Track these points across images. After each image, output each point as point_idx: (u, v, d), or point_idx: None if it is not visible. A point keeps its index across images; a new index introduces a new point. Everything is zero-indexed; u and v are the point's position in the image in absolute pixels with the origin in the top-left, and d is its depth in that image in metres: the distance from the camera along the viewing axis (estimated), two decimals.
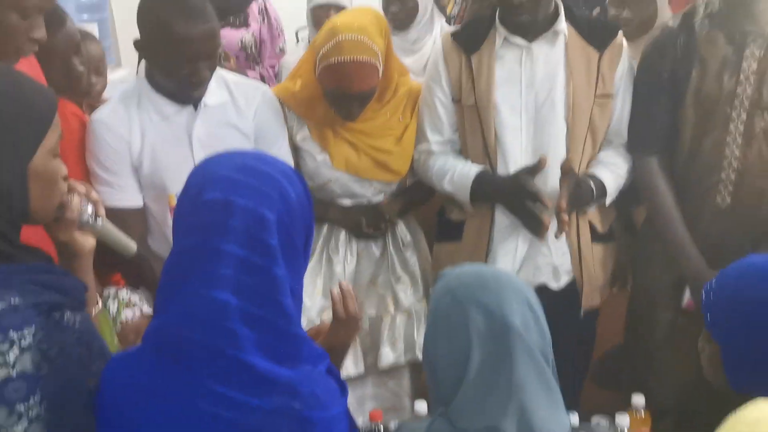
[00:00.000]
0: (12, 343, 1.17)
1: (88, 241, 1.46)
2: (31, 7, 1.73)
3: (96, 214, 1.48)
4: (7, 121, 1.25)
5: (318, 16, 3.21)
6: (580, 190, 2.23)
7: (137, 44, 2.12)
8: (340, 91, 2.24)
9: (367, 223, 2.40)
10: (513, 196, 2.23)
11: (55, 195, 1.36)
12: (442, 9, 3.33)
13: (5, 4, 1.69)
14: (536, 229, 2.22)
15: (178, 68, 2.03)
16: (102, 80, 2.45)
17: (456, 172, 2.31)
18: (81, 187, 1.46)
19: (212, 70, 2.10)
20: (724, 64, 2.17)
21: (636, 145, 2.33)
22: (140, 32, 2.10)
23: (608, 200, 2.31)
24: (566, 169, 2.21)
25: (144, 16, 2.07)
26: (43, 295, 1.24)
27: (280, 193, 1.26)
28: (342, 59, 2.19)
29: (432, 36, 3.08)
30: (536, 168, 2.20)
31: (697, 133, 2.23)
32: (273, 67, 3.49)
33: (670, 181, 2.29)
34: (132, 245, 1.59)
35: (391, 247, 2.50)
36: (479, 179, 2.28)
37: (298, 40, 4.12)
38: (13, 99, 1.26)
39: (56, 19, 2.09)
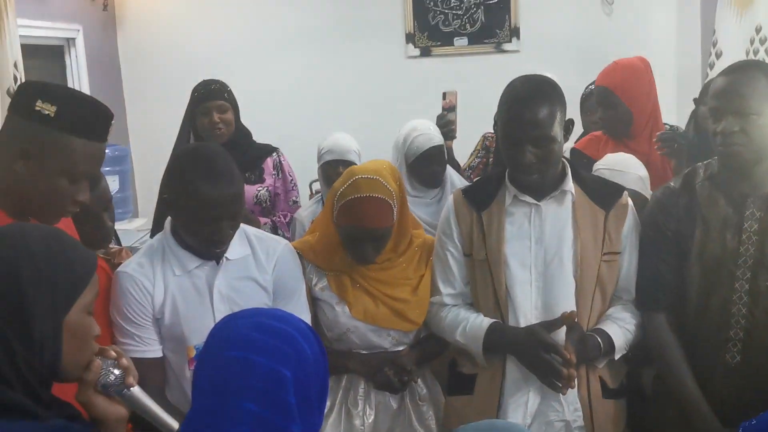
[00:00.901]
0: None
1: (115, 410, 1.46)
2: (80, 173, 1.84)
3: (126, 384, 1.48)
4: (48, 275, 1.30)
5: (327, 172, 3.34)
6: (586, 344, 2.26)
7: (164, 200, 2.22)
8: (357, 230, 2.34)
9: (387, 376, 2.42)
10: (528, 348, 2.24)
11: (86, 353, 1.39)
12: (448, 133, 3.45)
13: (57, 171, 1.80)
14: (553, 382, 2.22)
15: (201, 227, 2.12)
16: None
17: (468, 324, 2.35)
18: (111, 353, 1.49)
19: (234, 229, 2.19)
20: (725, 224, 2.23)
21: (644, 301, 2.37)
22: (167, 190, 2.20)
23: (617, 355, 2.32)
24: (570, 322, 2.24)
25: (172, 175, 2.18)
26: None
27: (296, 351, 1.30)
28: (358, 196, 2.31)
29: (446, 190, 3.20)
30: (556, 324, 2.23)
31: (703, 291, 2.26)
32: (285, 215, 3.60)
33: (678, 337, 2.31)
34: (171, 423, 1.57)
35: (408, 401, 2.52)
36: (492, 331, 2.31)
37: (312, 193, 4.26)
38: (54, 254, 1.33)
39: (94, 178, 2.20)
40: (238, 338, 1.31)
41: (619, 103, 3.19)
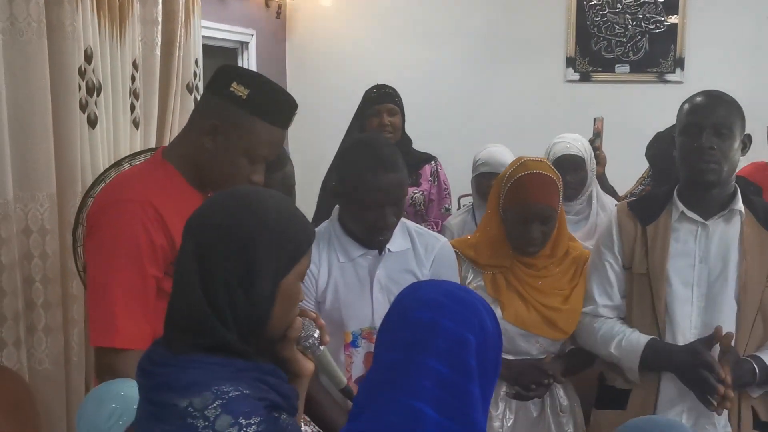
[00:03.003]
0: (240, 427, 1.29)
1: (309, 365, 1.55)
2: (260, 155, 1.96)
3: (323, 342, 1.58)
4: (278, 242, 1.40)
5: (481, 184, 3.38)
6: (741, 368, 2.20)
7: (330, 189, 2.32)
8: (526, 208, 2.39)
9: (530, 379, 2.43)
10: (688, 365, 2.21)
11: (291, 316, 1.49)
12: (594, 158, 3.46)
13: (240, 149, 1.93)
14: (708, 399, 2.18)
15: (366, 213, 2.19)
16: None
17: (625, 338, 2.33)
18: (311, 313, 1.59)
19: (398, 217, 2.26)
20: None
21: None
22: (336, 176, 2.30)
23: None
24: (726, 342, 2.19)
25: (340, 163, 2.29)
26: (269, 394, 1.37)
27: (479, 321, 1.36)
28: (527, 173, 2.40)
29: (593, 211, 3.20)
30: (712, 339, 2.20)
31: None
32: (437, 223, 3.68)
33: None
34: (343, 378, 1.69)
35: (548, 410, 2.52)
36: (651, 347, 2.28)
37: (459, 206, 4.32)
38: (285, 223, 1.43)
39: (279, 160, 2.32)
40: (429, 301, 1.37)
41: None
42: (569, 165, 3.13)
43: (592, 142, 3.51)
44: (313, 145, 4.90)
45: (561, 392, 2.53)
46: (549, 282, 2.50)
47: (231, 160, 1.93)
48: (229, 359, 1.36)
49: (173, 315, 1.42)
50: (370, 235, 2.26)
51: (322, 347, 1.58)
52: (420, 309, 1.36)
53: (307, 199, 2.90)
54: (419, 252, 2.36)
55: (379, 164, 2.16)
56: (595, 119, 3.62)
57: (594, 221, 3.15)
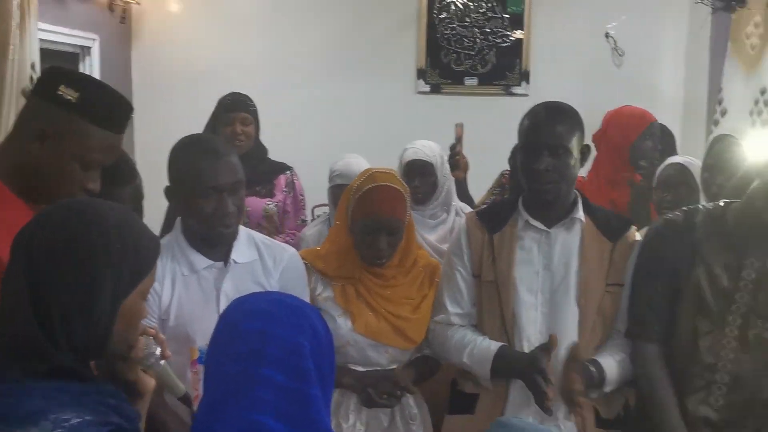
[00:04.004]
0: None
1: (150, 383, 1.50)
2: (93, 160, 1.86)
3: (165, 357, 1.53)
4: (118, 261, 1.32)
5: (336, 195, 3.35)
6: (580, 373, 2.26)
7: (167, 191, 2.25)
8: (373, 221, 2.40)
9: (382, 390, 2.42)
10: (526, 371, 2.26)
11: (133, 336, 1.42)
12: (455, 164, 3.55)
13: (70, 155, 1.82)
14: (542, 403, 2.23)
15: (204, 203, 2.14)
16: None
17: (476, 346, 2.36)
18: (150, 330, 1.53)
19: (238, 207, 2.21)
20: (724, 269, 2.24)
21: (635, 330, 2.34)
22: (169, 177, 2.24)
23: (608, 388, 2.32)
24: (573, 354, 2.27)
25: (172, 162, 2.23)
26: (112, 417, 1.29)
27: (311, 325, 1.36)
28: (375, 185, 2.42)
29: (450, 215, 3.24)
30: (548, 346, 2.25)
31: (694, 331, 2.26)
32: (293, 234, 3.63)
33: (668, 371, 2.30)
34: (182, 387, 1.66)
35: (398, 419, 2.51)
36: (500, 355, 2.32)
37: (313, 217, 4.29)
38: (126, 240, 1.35)
39: (127, 173, 2.24)
40: (257, 311, 1.36)
41: None
42: (418, 170, 3.17)
43: (452, 147, 3.60)
44: (162, 155, 4.72)
45: (411, 401, 2.54)
46: (398, 291, 2.51)
47: (62, 166, 1.83)
48: (67, 383, 1.28)
49: (1, 340, 1.31)
50: (212, 226, 2.19)
51: (162, 362, 1.53)
52: (249, 321, 1.34)
53: (155, 212, 2.79)
54: (267, 263, 2.32)
55: (208, 151, 2.17)
56: (456, 125, 3.72)
57: (452, 225, 3.19)
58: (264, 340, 1.31)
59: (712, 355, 2.24)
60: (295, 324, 1.34)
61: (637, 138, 3.39)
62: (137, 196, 2.33)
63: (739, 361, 2.22)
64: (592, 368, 2.29)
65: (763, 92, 4.53)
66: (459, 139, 3.70)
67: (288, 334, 1.32)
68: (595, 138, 3.46)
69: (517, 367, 2.30)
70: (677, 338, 2.30)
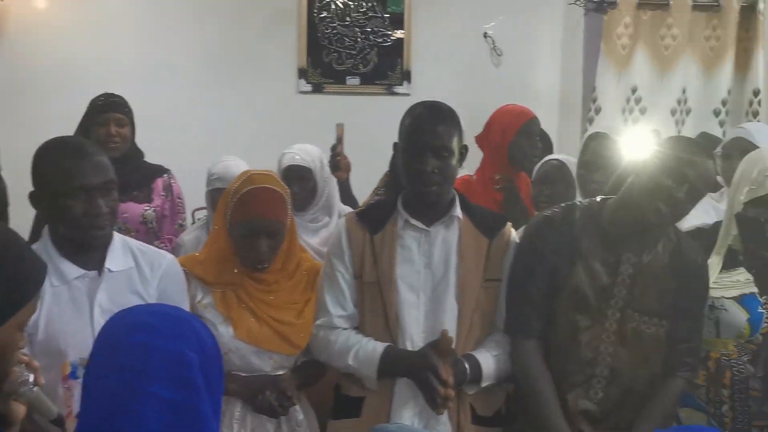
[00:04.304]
0: None
1: (21, 410, 1.43)
2: None
3: (38, 384, 1.47)
4: None
5: (215, 199, 3.28)
6: (455, 369, 2.28)
7: (32, 197, 2.12)
8: (252, 224, 2.35)
9: (270, 403, 2.38)
10: (418, 369, 2.26)
11: (7, 368, 1.34)
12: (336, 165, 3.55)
13: None
14: (433, 402, 2.25)
15: (75, 204, 2.04)
16: None
17: (361, 348, 2.34)
18: (24, 357, 1.44)
19: (111, 209, 2.11)
20: (602, 264, 2.30)
21: (514, 326, 2.38)
22: (34, 181, 2.12)
23: (484, 383, 2.34)
24: (445, 347, 2.26)
25: (37, 165, 2.11)
26: None
27: (197, 336, 1.31)
28: (253, 187, 2.37)
29: (333, 219, 3.21)
30: (437, 343, 2.26)
31: (573, 326, 2.31)
32: (170, 240, 3.53)
33: (547, 366, 2.33)
34: (54, 409, 1.59)
35: (284, 426, 2.47)
36: (387, 355, 2.31)
37: (194, 221, 4.18)
38: (4, 255, 1.27)
39: None
40: (139, 324, 1.29)
41: None
42: (296, 175, 3.13)
43: (333, 148, 3.58)
44: (28, 160, 4.51)
45: (297, 406, 2.49)
46: (281, 296, 2.47)
47: None
48: None
49: None
50: (83, 229, 2.08)
51: (35, 388, 1.46)
52: (131, 334, 1.27)
53: (22, 221, 2.64)
54: (144, 271, 2.22)
55: (75, 150, 2.09)
56: (337, 125, 3.70)
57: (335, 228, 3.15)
58: (147, 353, 1.24)
59: (592, 349, 2.29)
60: (180, 335, 1.28)
61: (514, 136, 3.44)
62: (1, 204, 2.20)
63: (618, 355, 2.29)
64: (467, 364, 2.30)
65: (634, 90, 4.72)
66: (340, 140, 3.68)
67: (172, 347, 1.26)
68: (479, 139, 3.50)
69: (406, 366, 2.31)
70: (556, 334, 2.34)
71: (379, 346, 2.34)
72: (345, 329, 2.42)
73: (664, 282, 2.32)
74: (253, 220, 2.36)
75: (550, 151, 3.71)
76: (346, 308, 2.42)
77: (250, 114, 5.30)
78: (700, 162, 2.22)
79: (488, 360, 2.35)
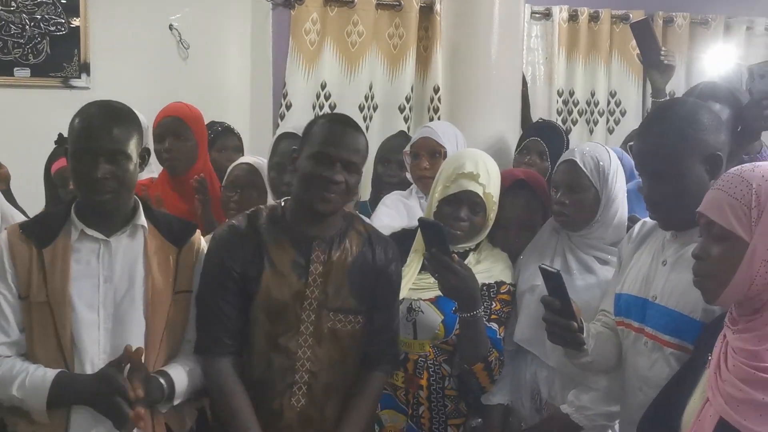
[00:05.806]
0: None
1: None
2: None
3: None
4: None
5: None
6: (149, 386, 2.14)
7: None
8: None
9: None
10: (99, 393, 2.07)
11: None
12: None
13: None
14: (123, 426, 2.08)
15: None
16: None
17: (28, 377, 2.09)
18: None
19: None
20: (292, 267, 2.26)
21: (205, 344, 2.28)
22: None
23: (177, 400, 2.22)
24: (136, 361, 2.11)
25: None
26: None
27: None
28: None
29: None
30: (122, 359, 2.10)
31: (270, 335, 2.26)
32: None
33: (241, 382, 2.25)
34: None
35: None
36: (58, 382, 2.08)
37: None
38: None
39: None
40: None
41: None
42: None
43: None
44: None
45: None
46: None
47: None
48: None
49: None
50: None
51: None
52: None
53: None
54: None
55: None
56: None
57: None
58: None
59: (290, 355, 2.24)
60: None
61: None
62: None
63: (317, 357, 2.26)
64: (162, 380, 2.17)
65: (323, 86, 4.77)
66: None
67: None
68: None
69: (83, 392, 2.09)
70: (254, 345, 2.27)
71: (49, 373, 2.10)
72: (8, 357, 2.14)
73: (355, 277, 2.31)
74: None
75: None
76: (9, 334, 2.14)
77: None
78: (349, 137, 2.27)
79: (182, 375, 2.23)
